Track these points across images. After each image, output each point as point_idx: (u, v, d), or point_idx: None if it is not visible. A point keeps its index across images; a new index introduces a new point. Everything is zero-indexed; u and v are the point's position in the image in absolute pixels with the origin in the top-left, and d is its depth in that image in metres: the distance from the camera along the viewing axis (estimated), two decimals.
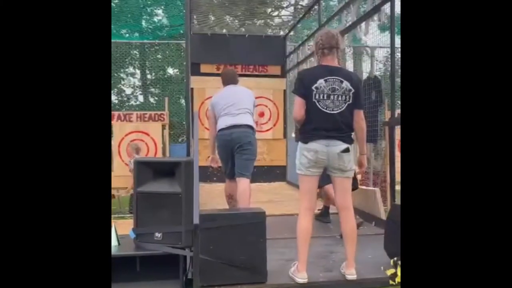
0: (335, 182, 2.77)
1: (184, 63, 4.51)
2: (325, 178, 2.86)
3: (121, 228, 2.99)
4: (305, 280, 2.69)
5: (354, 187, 4.40)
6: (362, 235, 3.02)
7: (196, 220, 2.56)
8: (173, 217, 2.72)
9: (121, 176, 6.56)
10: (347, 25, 5.19)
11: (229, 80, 4.18)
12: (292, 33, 8.56)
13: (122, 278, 2.68)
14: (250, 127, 3.89)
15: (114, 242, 2.85)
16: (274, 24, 10.10)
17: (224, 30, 8.35)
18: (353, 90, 2.68)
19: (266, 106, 7.97)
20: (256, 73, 8.02)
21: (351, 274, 2.73)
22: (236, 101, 3.92)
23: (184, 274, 2.69)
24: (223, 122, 3.87)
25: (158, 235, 2.75)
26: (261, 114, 7.95)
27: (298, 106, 2.71)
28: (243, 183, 3.81)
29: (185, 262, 2.72)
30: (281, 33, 9.09)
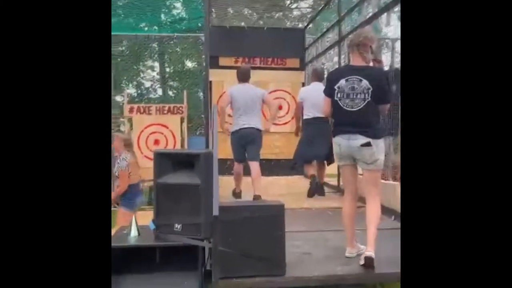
0: (363, 173, 3.02)
1: (203, 56, 4.54)
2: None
3: (141, 219, 3.03)
4: (353, 255, 2.94)
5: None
6: (380, 229, 3.00)
7: (215, 212, 2.57)
8: (192, 209, 2.74)
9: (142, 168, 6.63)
10: (368, 16, 5.12)
11: (242, 78, 5.00)
12: (311, 25, 8.49)
13: (141, 269, 2.72)
14: (259, 129, 4.94)
15: (134, 232, 2.90)
16: (293, 17, 10.03)
17: (243, 23, 8.33)
18: (371, 88, 2.82)
19: (284, 99, 7.90)
20: (275, 66, 7.98)
21: (369, 252, 2.76)
22: (250, 104, 4.87)
23: (203, 265, 2.71)
24: (241, 122, 4.86)
25: (177, 226, 2.77)
26: (279, 107, 7.91)
27: (325, 105, 3.06)
28: (255, 166, 4.86)
29: (204, 253, 2.74)
30: (300, 25, 9.03)
